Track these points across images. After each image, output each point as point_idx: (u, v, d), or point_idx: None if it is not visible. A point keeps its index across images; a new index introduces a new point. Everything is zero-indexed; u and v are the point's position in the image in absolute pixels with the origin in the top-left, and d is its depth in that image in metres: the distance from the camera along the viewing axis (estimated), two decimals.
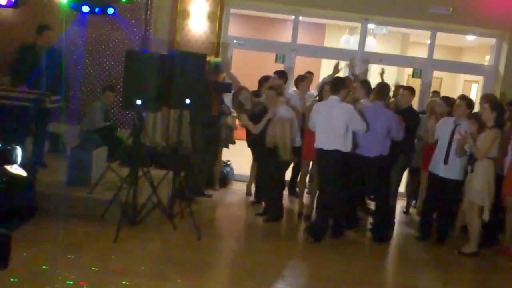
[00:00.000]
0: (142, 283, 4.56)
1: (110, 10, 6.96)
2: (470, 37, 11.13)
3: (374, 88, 6.74)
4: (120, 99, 6.66)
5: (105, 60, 8.46)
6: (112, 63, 8.45)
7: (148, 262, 5.06)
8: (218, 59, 7.51)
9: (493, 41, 9.03)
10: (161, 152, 7.49)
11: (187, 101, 5.80)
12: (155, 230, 5.93)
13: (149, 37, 8.10)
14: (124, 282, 4.51)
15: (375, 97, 6.56)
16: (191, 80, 5.80)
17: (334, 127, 6.07)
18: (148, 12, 8.05)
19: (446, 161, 6.41)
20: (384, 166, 6.45)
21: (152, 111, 6.67)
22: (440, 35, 9.24)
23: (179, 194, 6.32)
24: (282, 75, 7.65)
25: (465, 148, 6.28)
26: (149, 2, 8.01)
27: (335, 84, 6.30)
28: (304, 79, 7.57)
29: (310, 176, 7.41)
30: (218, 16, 8.46)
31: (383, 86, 6.75)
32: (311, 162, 7.20)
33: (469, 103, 6.47)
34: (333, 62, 8.12)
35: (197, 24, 8.41)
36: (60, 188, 6.21)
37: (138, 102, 5.49)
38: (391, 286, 5.50)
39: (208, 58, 6.90)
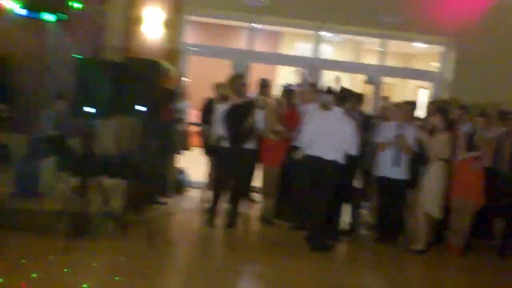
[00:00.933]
0: None
1: (63, 17, 6.80)
2: (420, 45, 11.45)
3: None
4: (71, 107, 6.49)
5: (55, 67, 8.25)
6: (63, 70, 8.25)
7: (101, 273, 4.95)
8: (167, 64, 7.37)
9: (441, 48, 9.30)
10: (113, 161, 7.34)
11: (140, 108, 5.72)
12: (108, 240, 5.80)
13: (102, 44, 7.96)
14: None
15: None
16: (144, 87, 5.72)
17: (336, 139, 6.13)
18: (101, 19, 7.90)
19: (397, 163, 6.62)
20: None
21: (103, 118, 6.54)
22: (391, 43, 9.47)
23: (132, 203, 6.22)
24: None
25: (412, 147, 6.58)
26: (102, 8, 7.87)
27: (342, 96, 6.39)
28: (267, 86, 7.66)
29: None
30: (173, 23, 8.40)
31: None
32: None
33: (412, 107, 6.85)
34: (288, 69, 8.22)
35: (152, 30, 8.32)
36: (7, 199, 6.01)
37: (89, 109, 5.38)
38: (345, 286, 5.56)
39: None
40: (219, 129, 6.74)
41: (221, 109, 6.71)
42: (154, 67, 5.94)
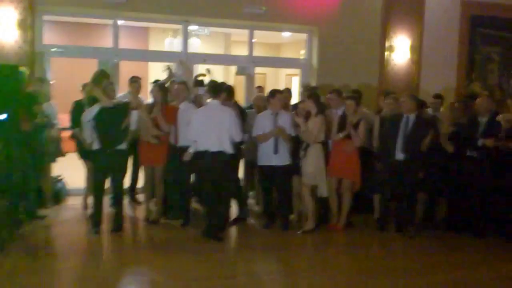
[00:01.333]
0: None
1: None
2: (286, 34, 11.88)
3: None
4: None
5: None
6: None
7: None
8: (22, 69, 6.88)
9: (305, 36, 9.72)
10: None
11: (1, 116, 5.34)
12: None
13: None
14: None
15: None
16: (4, 93, 5.35)
17: (219, 129, 6.30)
18: None
19: (276, 151, 6.81)
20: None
21: None
22: (259, 33, 9.71)
23: (6, 220, 5.80)
24: None
25: (290, 134, 6.82)
26: None
27: (214, 88, 6.52)
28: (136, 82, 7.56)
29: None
30: (30, 24, 7.88)
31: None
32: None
33: (286, 95, 7.20)
34: (159, 65, 8.10)
35: (6, 33, 7.75)
36: None
37: None
38: (243, 276, 5.63)
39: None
40: (89, 132, 6.52)
41: (90, 111, 6.45)
42: (9, 71, 5.57)
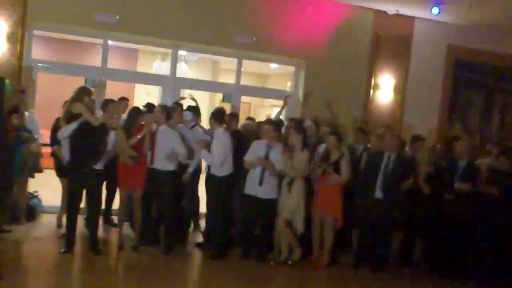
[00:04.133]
0: None
1: None
2: (274, 65, 12.02)
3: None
4: None
5: None
6: None
7: None
8: (7, 81, 6.80)
9: (293, 68, 9.84)
10: None
11: None
12: None
13: None
14: None
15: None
16: None
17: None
18: None
19: (261, 183, 6.78)
20: None
21: None
22: (247, 63, 9.80)
23: None
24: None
25: (277, 169, 6.76)
26: None
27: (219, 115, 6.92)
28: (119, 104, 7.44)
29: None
30: (19, 38, 7.88)
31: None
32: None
33: (276, 127, 7.00)
34: (145, 87, 8.11)
35: None
36: None
37: None
38: None
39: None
40: (66, 150, 6.46)
41: (67, 128, 6.38)
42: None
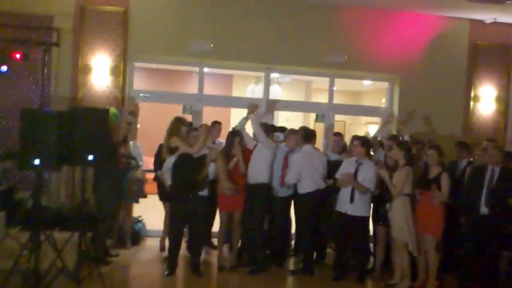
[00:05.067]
0: None
1: (3, 68, 6.72)
2: (367, 82, 11.82)
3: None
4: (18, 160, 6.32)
5: (1, 120, 8.09)
6: (10, 122, 8.09)
7: None
8: (113, 110, 7.23)
9: (386, 84, 9.62)
10: (66, 213, 7.14)
11: (90, 157, 5.63)
12: None
13: (49, 94, 7.87)
14: None
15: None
16: (93, 136, 5.66)
17: (316, 172, 6.95)
18: (46, 69, 7.81)
19: (352, 200, 6.67)
20: None
21: (52, 170, 6.41)
22: (340, 81, 9.73)
23: (86, 257, 6.03)
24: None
25: (367, 186, 6.61)
26: (47, 58, 7.79)
27: (308, 134, 7.15)
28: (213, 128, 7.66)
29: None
30: (121, 71, 8.40)
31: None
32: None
33: (363, 142, 6.85)
34: (241, 112, 8.25)
35: (100, 78, 8.30)
36: None
37: (37, 161, 5.26)
38: None
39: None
40: (168, 178, 6.73)
41: (168, 162, 6.66)
42: (102, 115, 5.89)
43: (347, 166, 6.84)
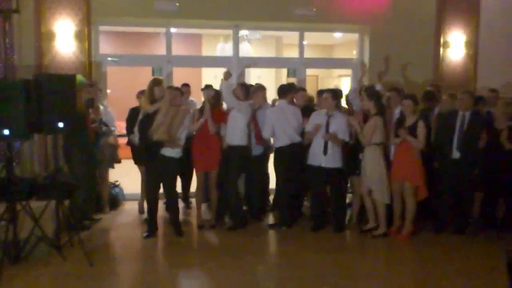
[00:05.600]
0: None
1: None
2: (338, 35, 11.77)
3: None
4: None
5: None
6: None
7: None
8: (80, 77, 7.04)
9: (356, 36, 9.60)
10: (40, 182, 7.07)
11: (60, 125, 5.55)
12: (43, 264, 5.60)
13: (13, 64, 7.66)
14: None
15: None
16: (62, 103, 5.57)
17: (290, 126, 6.95)
18: (8, 38, 7.59)
19: (325, 152, 6.75)
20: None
21: (22, 139, 6.32)
22: (311, 35, 9.65)
23: (65, 224, 6.03)
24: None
25: (342, 138, 6.72)
26: (7, 26, 7.55)
27: (282, 90, 7.16)
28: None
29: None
30: (86, 35, 8.19)
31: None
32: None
33: (335, 95, 6.92)
34: (212, 70, 8.22)
35: (64, 44, 8.08)
36: None
37: (6, 132, 5.18)
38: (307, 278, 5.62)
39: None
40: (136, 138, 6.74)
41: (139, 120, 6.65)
42: (68, 81, 5.79)
43: (317, 119, 6.89)
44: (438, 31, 9.29)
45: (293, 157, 7.02)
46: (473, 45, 9.37)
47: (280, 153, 7.07)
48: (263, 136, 7.13)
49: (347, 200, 7.53)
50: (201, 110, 7.07)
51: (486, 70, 9.33)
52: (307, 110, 7.22)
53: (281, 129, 6.99)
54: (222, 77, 7.13)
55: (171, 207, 6.94)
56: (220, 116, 7.04)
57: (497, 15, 9.38)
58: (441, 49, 9.31)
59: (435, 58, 9.30)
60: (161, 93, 6.68)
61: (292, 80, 9.58)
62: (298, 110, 7.18)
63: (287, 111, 7.08)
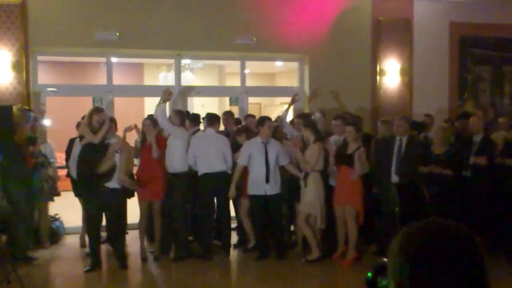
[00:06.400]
0: None
1: None
2: (279, 63, 12.01)
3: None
4: None
5: None
6: None
7: None
8: (17, 108, 6.78)
9: (296, 64, 9.83)
10: None
11: None
12: None
13: None
14: None
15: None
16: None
17: (212, 154, 6.90)
18: None
19: (267, 180, 6.80)
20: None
21: None
22: (253, 64, 9.80)
23: (2, 260, 5.77)
24: None
25: (280, 163, 6.91)
26: None
27: (212, 118, 7.26)
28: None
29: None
30: (24, 65, 8.00)
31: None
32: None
33: (273, 124, 7.17)
34: (155, 100, 8.11)
35: (1, 75, 7.84)
36: None
37: None
38: None
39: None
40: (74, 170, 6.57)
41: (76, 149, 6.50)
42: (5, 112, 5.64)
43: (250, 148, 6.88)
44: (374, 59, 9.62)
45: (213, 185, 6.94)
46: (408, 73, 9.74)
47: (201, 180, 7.00)
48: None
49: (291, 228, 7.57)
50: (143, 132, 6.96)
51: (421, 96, 9.73)
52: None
53: (202, 156, 6.94)
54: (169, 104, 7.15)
55: (117, 239, 6.76)
56: (163, 142, 6.99)
57: (429, 44, 9.85)
58: (378, 77, 9.64)
59: (372, 85, 9.62)
60: (99, 121, 6.52)
61: (235, 108, 9.67)
62: (225, 139, 7.15)
63: (212, 139, 7.06)
